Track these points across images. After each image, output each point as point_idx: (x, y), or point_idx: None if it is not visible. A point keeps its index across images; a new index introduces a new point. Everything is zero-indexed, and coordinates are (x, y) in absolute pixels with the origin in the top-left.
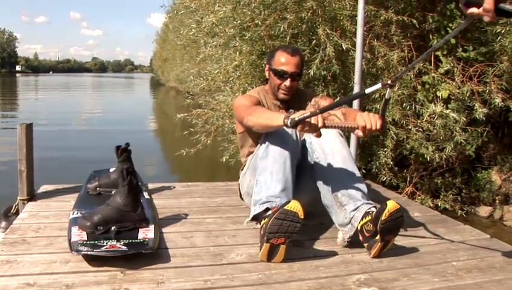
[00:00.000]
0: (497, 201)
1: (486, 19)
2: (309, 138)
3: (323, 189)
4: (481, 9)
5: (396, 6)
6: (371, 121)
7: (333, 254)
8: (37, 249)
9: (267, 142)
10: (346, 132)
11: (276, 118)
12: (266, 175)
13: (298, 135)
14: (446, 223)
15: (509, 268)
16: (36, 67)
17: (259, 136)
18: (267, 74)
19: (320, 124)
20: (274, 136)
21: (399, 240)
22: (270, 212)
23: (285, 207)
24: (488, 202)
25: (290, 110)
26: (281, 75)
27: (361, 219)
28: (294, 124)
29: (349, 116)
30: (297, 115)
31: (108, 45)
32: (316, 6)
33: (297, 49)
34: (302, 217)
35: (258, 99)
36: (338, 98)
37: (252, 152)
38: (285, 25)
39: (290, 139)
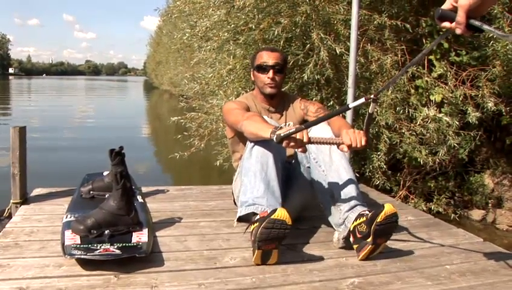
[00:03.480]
0: (489, 204)
1: (458, 31)
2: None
3: (320, 188)
4: (454, 23)
5: (390, 11)
6: (356, 138)
7: (327, 257)
8: (30, 253)
9: (251, 143)
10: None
11: (264, 131)
12: (250, 176)
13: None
14: (439, 226)
15: (501, 271)
16: (29, 70)
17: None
18: (253, 77)
19: (305, 140)
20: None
21: (392, 244)
22: (258, 217)
23: (272, 216)
24: (480, 205)
25: (277, 126)
26: (264, 68)
27: (355, 220)
28: (280, 140)
29: (333, 124)
30: (282, 131)
31: (101, 48)
32: (310, 10)
33: (276, 48)
34: (290, 223)
35: (247, 105)
36: (331, 102)
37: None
38: (279, 29)
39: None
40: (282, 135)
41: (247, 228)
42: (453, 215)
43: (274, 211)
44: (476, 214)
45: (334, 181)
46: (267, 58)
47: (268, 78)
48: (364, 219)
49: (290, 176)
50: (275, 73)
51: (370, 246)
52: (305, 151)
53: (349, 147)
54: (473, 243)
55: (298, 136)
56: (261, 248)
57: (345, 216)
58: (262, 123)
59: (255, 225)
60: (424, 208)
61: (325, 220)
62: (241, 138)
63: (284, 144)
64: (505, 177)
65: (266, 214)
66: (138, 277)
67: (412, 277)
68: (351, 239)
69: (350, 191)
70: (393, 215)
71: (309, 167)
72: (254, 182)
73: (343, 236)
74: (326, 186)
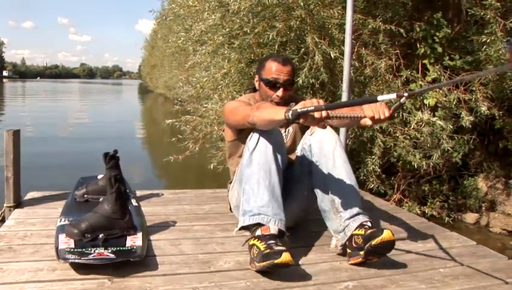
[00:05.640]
0: (483, 208)
1: None
2: (308, 140)
3: (321, 193)
4: None
5: (384, 15)
6: (379, 110)
7: (321, 261)
8: (24, 256)
9: (249, 149)
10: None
11: (278, 113)
12: (253, 183)
13: (283, 138)
14: (433, 230)
15: (494, 274)
16: (23, 73)
17: None
18: (257, 84)
19: (324, 115)
20: (256, 141)
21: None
22: (259, 232)
23: (276, 261)
24: (474, 208)
25: (291, 104)
26: (273, 85)
27: (355, 229)
28: (296, 116)
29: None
30: (299, 107)
31: (96, 51)
32: (305, 14)
33: (288, 58)
34: (293, 263)
35: (250, 105)
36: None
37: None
38: (274, 33)
39: (274, 143)
40: (299, 110)
41: (246, 241)
42: (447, 218)
43: (278, 253)
44: (470, 217)
45: (335, 187)
46: (278, 73)
47: (278, 96)
48: (363, 231)
49: (290, 179)
50: (285, 90)
51: (361, 258)
52: (325, 127)
53: (373, 119)
54: (466, 246)
55: (316, 114)
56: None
57: (345, 224)
58: (274, 107)
59: (257, 243)
60: (418, 212)
61: (319, 223)
62: (243, 139)
63: (300, 120)
64: (498, 181)
65: (268, 231)
66: (132, 280)
67: (406, 280)
68: (346, 243)
69: (352, 198)
70: (390, 242)
71: (310, 171)
72: (258, 190)
73: (341, 243)
74: (328, 191)
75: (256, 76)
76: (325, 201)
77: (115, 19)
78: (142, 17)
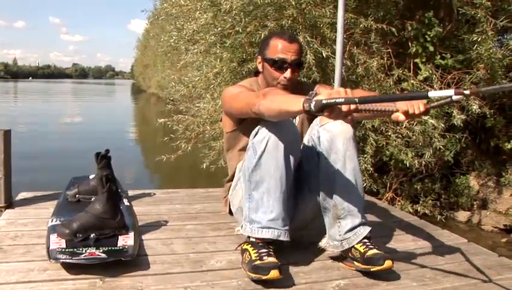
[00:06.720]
0: (475, 206)
1: None
2: (317, 132)
3: (324, 193)
4: None
5: (376, 14)
6: (414, 104)
7: (313, 259)
8: (14, 257)
9: (257, 152)
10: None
11: (293, 102)
12: (261, 192)
13: (297, 129)
14: (425, 228)
15: (485, 272)
16: (15, 73)
17: None
18: (259, 66)
19: (353, 107)
20: (265, 143)
21: (378, 246)
22: (254, 239)
23: (264, 277)
24: (466, 207)
25: (311, 92)
26: (280, 65)
27: (356, 243)
28: (320, 108)
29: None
30: (324, 97)
31: (89, 51)
32: (296, 13)
33: (294, 35)
34: (281, 277)
35: (253, 91)
36: None
37: (242, 159)
38: (265, 32)
39: (287, 142)
40: (324, 102)
41: (239, 246)
42: (439, 216)
43: (267, 270)
44: (462, 215)
45: (340, 192)
46: (285, 52)
47: (285, 77)
48: (363, 249)
49: (298, 177)
50: (293, 71)
51: (354, 268)
52: (351, 121)
53: (406, 114)
54: (457, 244)
55: (344, 107)
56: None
57: (346, 236)
58: (287, 95)
59: (249, 249)
60: (411, 210)
61: (313, 224)
62: (244, 129)
63: (325, 114)
64: (489, 179)
65: (262, 241)
66: (124, 280)
67: (398, 278)
68: (341, 251)
69: (356, 205)
70: (387, 269)
71: (317, 165)
72: (267, 201)
73: (332, 249)
74: (331, 194)
75: (259, 57)
76: (327, 202)
77: (108, 19)
78: (135, 17)
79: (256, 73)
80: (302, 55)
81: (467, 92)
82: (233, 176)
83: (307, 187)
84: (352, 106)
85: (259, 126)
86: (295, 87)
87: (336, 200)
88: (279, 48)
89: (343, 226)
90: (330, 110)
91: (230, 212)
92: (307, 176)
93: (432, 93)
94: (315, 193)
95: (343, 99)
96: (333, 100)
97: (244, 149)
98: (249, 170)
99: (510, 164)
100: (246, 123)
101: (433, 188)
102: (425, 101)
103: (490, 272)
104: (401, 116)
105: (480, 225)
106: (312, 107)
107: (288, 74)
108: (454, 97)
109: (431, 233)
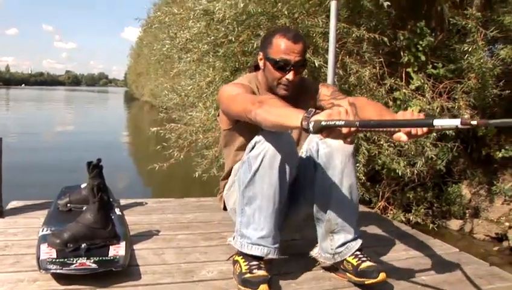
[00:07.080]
0: (467, 214)
1: None
2: (315, 144)
3: (318, 206)
4: None
5: (368, 24)
6: None
7: (305, 270)
8: (4, 267)
9: (252, 167)
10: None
11: (291, 117)
12: (254, 208)
13: (294, 141)
14: (417, 237)
15: (476, 281)
16: (8, 80)
17: (252, 133)
18: (261, 63)
19: (353, 129)
20: (261, 159)
21: (370, 256)
22: (245, 251)
23: None
24: (458, 215)
25: (310, 110)
26: (282, 66)
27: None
28: (319, 129)
29: (361, 110)
30: (323, 118)
31: (82, 58)
32: (289, 23)
33: (299, 33)
34: None
35: (252, 90)
36: None
37: (237, 159)
38: (258, 41)
39: (284, 154)
40: (324, 123)
41: (230, 257)
42: (431, 225)
43: (256, 285)
44: (454, 224)
45: (335, 208)
46: (289, 53)
47: (287, 79)
48: (355, 262)
49: (293, 188)
50: (296, 73)
51: (346, 279)
52: (352, 142)
53: (409, 134)
54: (449, 253)
55: (344, 129)
56: None
57: (338, 251)
58: (285, 107)
59: (240, 261)
60: (403, 219)
61: (303, 231)
62: (241, 129)
63: (323, 135)
64: (481, 188)
65: (251, 256)
66: None
67: (390, 288)
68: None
69: (349, 221)
70: (381, 281)
71: (313, 177)
72: (259, 219)
73: (325, 260)
74: (325, 209)
75: (261, 53)
76: (321, 214)
77: (101, 27)
78: (128, 25)
79: (256, 67)
80: (305, 54)
81: (474, 122)
82: (228, 174)
83: (302, 197)
84: (353, 128)
85: (256, 139)
86: (297, 86)
87: (330, 215)
88: (282, 48)
89: (336, 240)
90: (328, 131)
91: (225, 208)
92: (302, 186)
93: (437, 122)
94: (309, 203)
95: (343, 122)
96: (333, 122)
97: (240, 149)
98: (243, 184)
99: (501, 172)
100: (242, 123)
101: (425, 196)
102: None
103: (481, 281)
104: (403, 137)
105: (472, 234)
106: (310, 127)
107: (290, 76)
108: (460, 126)
109: (423, 242)
